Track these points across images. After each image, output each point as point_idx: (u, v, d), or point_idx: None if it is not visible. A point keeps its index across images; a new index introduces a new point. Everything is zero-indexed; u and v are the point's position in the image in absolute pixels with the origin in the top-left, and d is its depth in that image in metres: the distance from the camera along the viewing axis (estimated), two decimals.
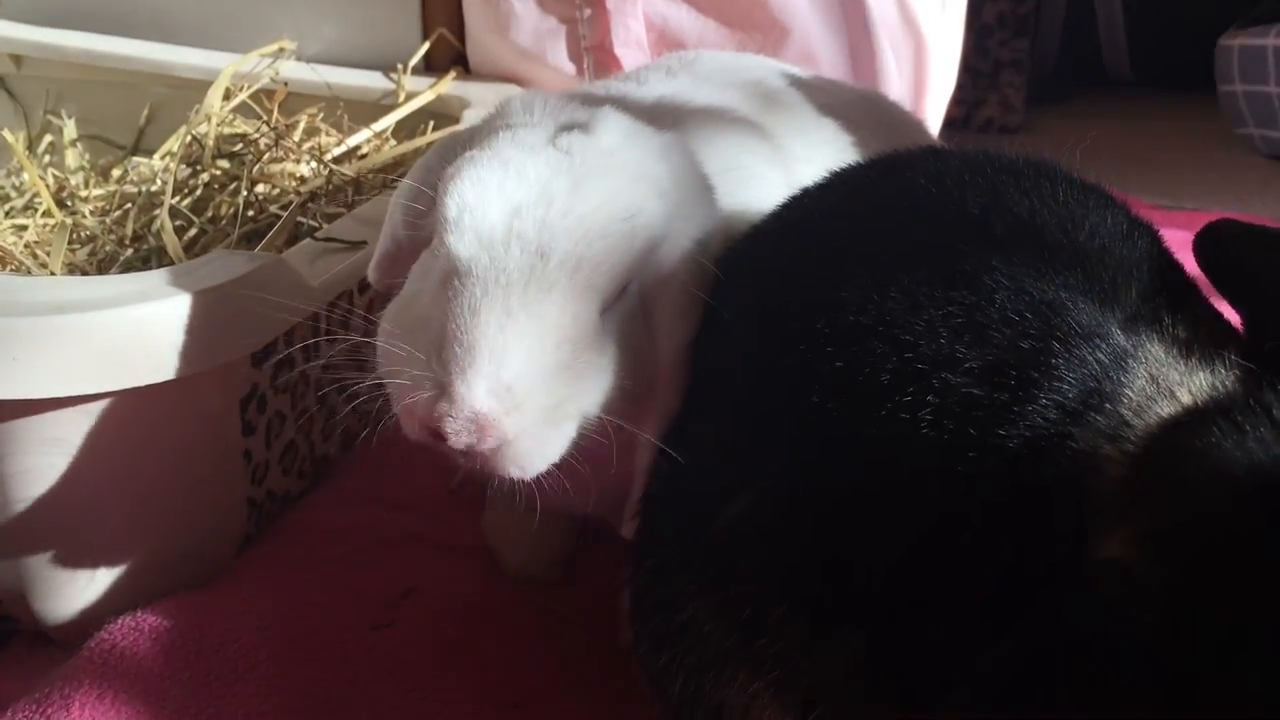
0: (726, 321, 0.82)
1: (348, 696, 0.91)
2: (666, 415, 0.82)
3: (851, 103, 1.11)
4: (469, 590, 1.04)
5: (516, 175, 0.78)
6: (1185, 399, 0.63)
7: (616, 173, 0.79)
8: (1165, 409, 0.62)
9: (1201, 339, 0.67)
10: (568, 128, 0.82)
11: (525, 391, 0.74)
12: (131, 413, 0.91)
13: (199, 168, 1.39)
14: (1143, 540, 0.58)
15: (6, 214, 1.37)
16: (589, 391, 0.79)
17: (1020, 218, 0.75)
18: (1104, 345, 0.65)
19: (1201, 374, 0.64)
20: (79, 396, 0.87)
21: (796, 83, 1.12)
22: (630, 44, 1.55)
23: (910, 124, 1.19)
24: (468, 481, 1.21)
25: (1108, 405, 0.63)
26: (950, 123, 2.06)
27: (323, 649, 0.94)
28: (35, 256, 1.21)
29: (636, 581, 0.84)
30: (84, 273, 1.21)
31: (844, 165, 0.90)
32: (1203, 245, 0.74)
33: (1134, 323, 0.67)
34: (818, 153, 1.02)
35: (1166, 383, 0.64)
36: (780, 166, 0.96)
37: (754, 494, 0.74)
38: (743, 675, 0.75)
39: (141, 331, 0.86)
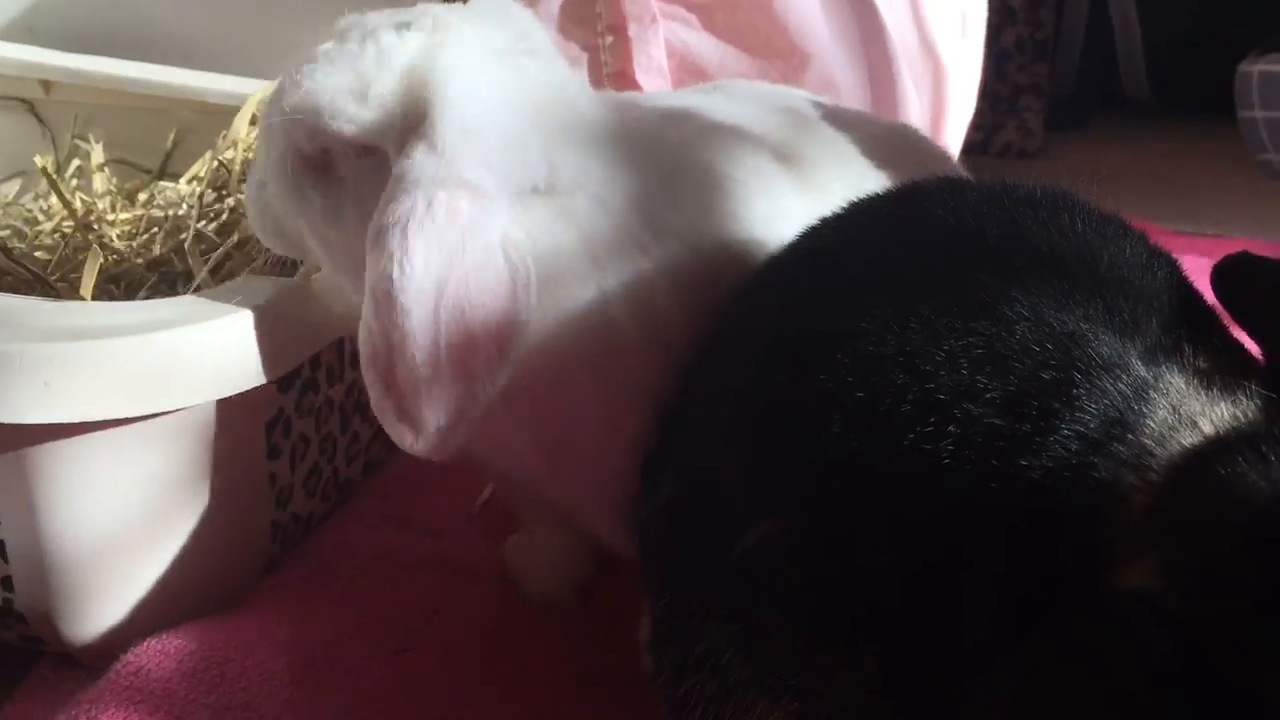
0: (746, 348, 0.83)
1: None
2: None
3: (881, 136, 1.12)
4: (490, 615, 1.05)
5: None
6: (1207, 429, 0.63)
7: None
8: (1188, 439, 0.63)
9: (1222, 370, 0.68)
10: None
11: None
12: (161, 436, 0.92)
13: (224, 192, 1.41)
14: (1167, 570, 0.58)
15: (35, 237, 1.39)
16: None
17: (1039, 248, 0.76)
18: (1125, 376, 0.66)
19: (1223, 404, 0.65)
20: (109, 420, 0.88)
21: (828, 112, 1.13)
22: (652, 71, 1.56)
23: (939, 158, 1.20)
24: (490, 504, 1.23)
25: (1130, 435, 0.63)
26: (969, 148, 2.06)
27: (345, 674, 0.95)
28: (64, 280, 1.22)
29: (656, 609, 0.84)
30: (112, 296, 1.22)
31: (863, 195, 0.91)
32: (1221, 278, 0.74)
33: (1155, 353, 0.68)
34: (845, 181, 1.03)
35: (1188, 413, 0.64)
36: (805, 191, 0.97)
37: (774, 522, 0.74)
38: (763, 705, 0.76)
39: (172, 357, 0.88)
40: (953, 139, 1.91)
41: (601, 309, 0.87)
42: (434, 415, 0.82)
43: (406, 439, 0.84)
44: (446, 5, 0.92)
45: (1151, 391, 0.65)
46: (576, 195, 0.88)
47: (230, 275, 1.28)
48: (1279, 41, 2.54)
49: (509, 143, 0.85)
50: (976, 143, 2.78)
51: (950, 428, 0.67)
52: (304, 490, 1.12)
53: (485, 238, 0.82)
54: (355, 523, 1.18)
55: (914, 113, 1.72)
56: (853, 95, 1.61)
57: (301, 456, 1.10)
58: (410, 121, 0.84)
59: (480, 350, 0.82)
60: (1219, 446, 0.61)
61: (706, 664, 0.78)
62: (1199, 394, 0.66)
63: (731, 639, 0.77)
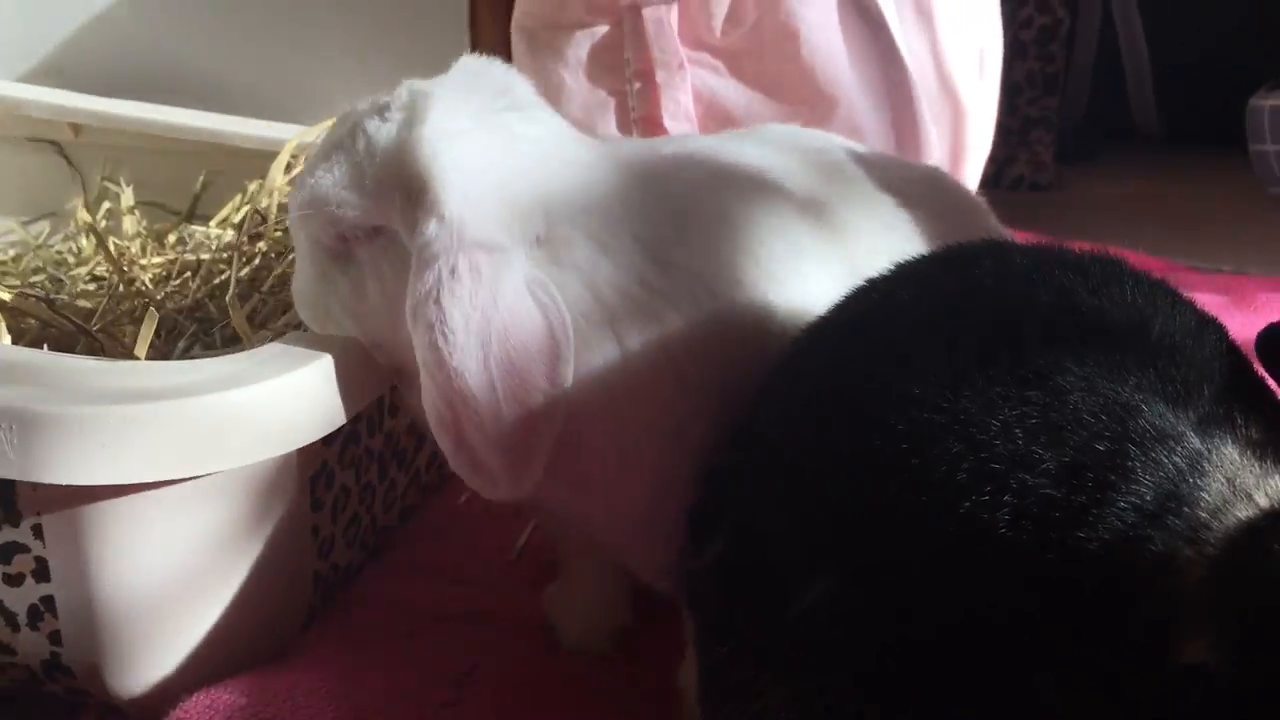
0: (799, 407, 0.84)
1: None
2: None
3: (913, 179, 1.14)
4: (531, 667, 1.06)
5: None
6: (1263, 501, 0.64)
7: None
8: (1243, 511, 0.64)
9: (1275, 441, 0.69)
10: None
11: None
12: (214, 495, 0.93)
13: (259, 238, 1.42)
14: (1226, 645, 0.59)
15: (73, 283, 1.41)
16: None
17: (1090, 316, 0.77)
18: (1179, 448, 0.67)
19: (1278, 476, 0.66)
20: (164, 481, 0.90)
21: (859, 157, 1.15)
22: (679, 116, 1.58)
23: (970, 204, 1.21)
24: (527, 551, 1.23)
25: (1185, 509, 0.65)
26: (982, 182, 2.08)
27: None
28: (105, 330, 1.23)
29: (707, 663, 0.85)
30: (151, 344, 1.24)
31: (907, 255, 0.92)
32: (1266, 346, 0.76)
33: (1208, 424, 0.69)
34: (872, 223, 1.04)
35: (1243, 485, 0.65)
36: (826, 232, 0.98)
37: (830, 583, 0.75)
38: None
39: (227, 418, 0.89)
40: (972, 176, 1.93)
41: (615, 348, 0.91)
42: (506, 461, 0.88)
43: (488, 489, 0.90)
44: (427, 79, 0.97)
45: (1205, 463, 0.66)
46: (574, 241, 0.92)
47: (264, 323, 1.30)
48: None
49: (504, 199, 0.90)
50: (989, 175, 2.78)
51: (1006, 497, 0.68)
52: (344, 540, 1.13)
53: (512, 286, 0.87)
54: (394, 571, 1.19)
55: (935, 154, 1.74)
56: (877, 139, 1.63)
57: (343, 507, 1.11)
58: (409, 198, 0.89)
59: (535, 391, 0.88)
60: (1273, 519, 0.63)
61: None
62: (1253, 465, 0.67)
63: (787, 698, 0.77)
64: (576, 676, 1.06)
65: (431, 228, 0.88)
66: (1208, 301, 0.80)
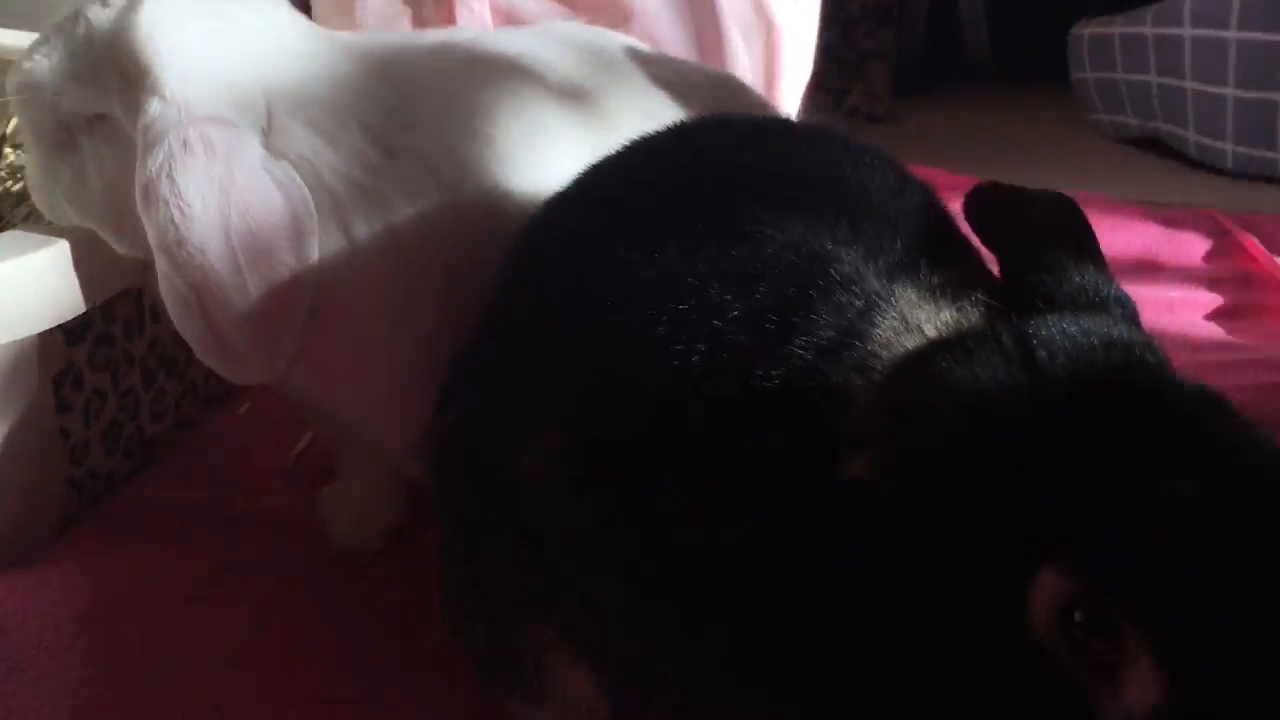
0: (527, 282, 0.84)
1: (161, 670, 0.90)
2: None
3: (699, 82, 1.13)
4: (295, 565, 1.04)
5: None
6: (930, 333, 0.66)
7: None
8: (912, 343, 0.66)
9: (955, 284, 0.71)
10: None
11: None
12: None
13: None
14: (883, 458, 0.61)
15: None
16: None
17: (797, 178, 0.78)
18: (860, 290, 0.68)
19: (947, 312, 0.68)
20: None
21: (638, 55, 1.14)
22: (475, 25, 1.55)
23: (758, 105, 1.22)
24: (307, 457, 1.22)
25: (858, 343, 0.66)
26: (819, 111, 2.10)
27: (134, 624, 0.93)
28: None
29: (441, 534, 0.85)
30: None
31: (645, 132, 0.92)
32: (968, 205, 0.78)
33: (893, 271, 0.71)
34: (637, 115, 1.04)
35: (915, 321, 0.67)
36: (584, 120, 0.98)
37: (546, 444, 0.76)
38: (536, 626, 0.77)
39: None
40: (789, 100, 1.94)
41: (342, 237, 0.89)
42: (257, 339, 0.86)
43: (237, 371, 0.88)
44: None
45: (883, 304, 0.68)
46: (294, 132, 0.90)
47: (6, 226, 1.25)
48: (1110, 3, 2.63)
49: (228, 84, 0.88)
50: (825, 106, 2.84)
51: (699, 345, 0.69)
52: (103, 446, 1.10)
53: (248, 161, 0.85)
54: (163, 478, 1.16)
55: (744, 70, 1.75)
56: (678, 52, 1.62)
57: (98, 413, 1.07)
58: (128, 81, 0.87)
59: (280, 266, 0.86)
60: (935, 346, 0.64)
61: (484, 585, 0.80)
62: (928, 304, 0.69)
63: (507, 559, 0.78)
64: (342, 573, 1.05)
65: (155, 107, 0.85)
66: None
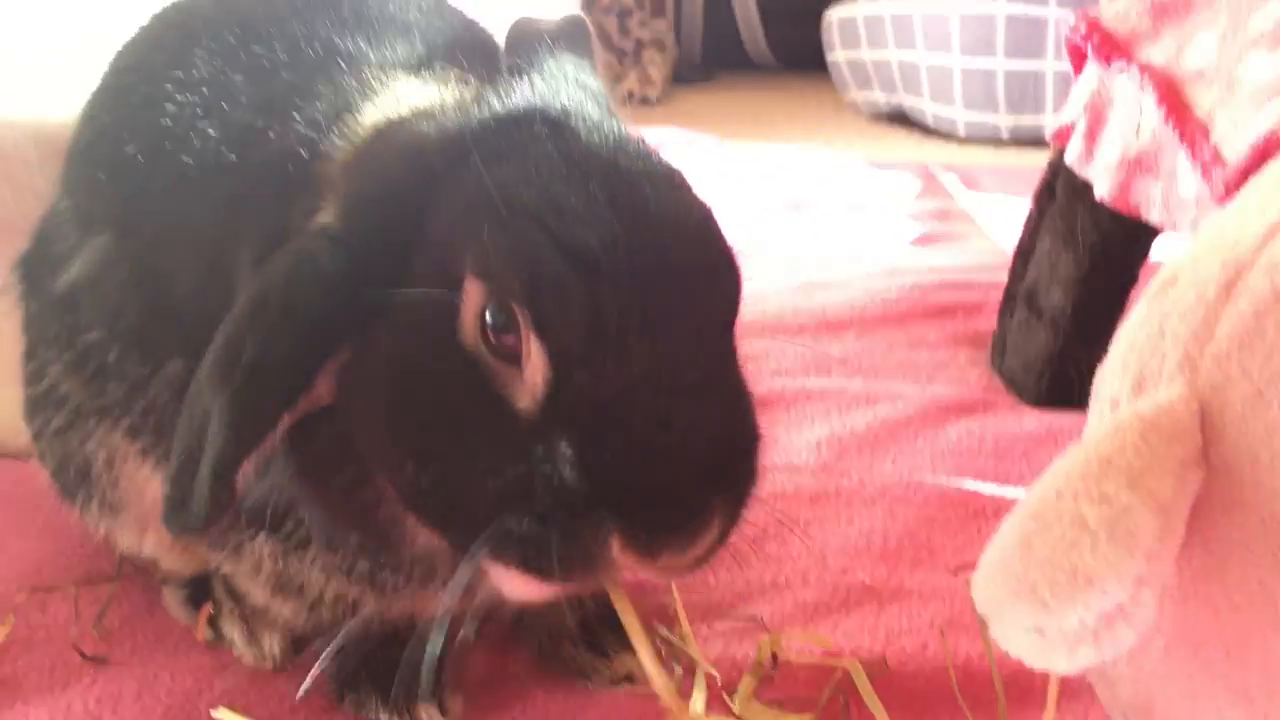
0: (84, 118, 0.88)
1: None
2: None
3: None
4: None
5: None
6: (410, 106, 0.73)
7: None
8: (392, 113, 0.72)
9: (459, 76, 0.78)
10: None
11: None
12: None
13: None
14: (341, 205, 0.67)
15: None
16: None
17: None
18: (359, 76, 0.75)
19: (431, 89, 0.74)
20: None
21: None
22: None
23: None
24: None
25: (349, 116, 0.72)
26: None
27: None
28: None
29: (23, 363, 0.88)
30: None
31: None
32: (507, 39, 0.86)
33: (399, 64, 0.77)
34: None
35: (404, 99, 0.73)
36: None
37: (88, 249, 0.80)
38: (101, 428, 0.81)
39: None
40: None
41: None
42: None
43: None
44: None
45: (379, 85, 0.74)
46: None
47: None
48: None
49: None
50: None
51: (211, 130, 0.74)
52: None
53: None
54: None
55: None
56: None
57: None
58: None
59: None
60: (409, 115, 0.71)
61: (51, 399, 0.83)
62: (424, 89, 0.75)
63: (66, 370, 0.81)
64: None
65: None
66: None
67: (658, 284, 0.59)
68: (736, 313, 0.65)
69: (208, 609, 0.84)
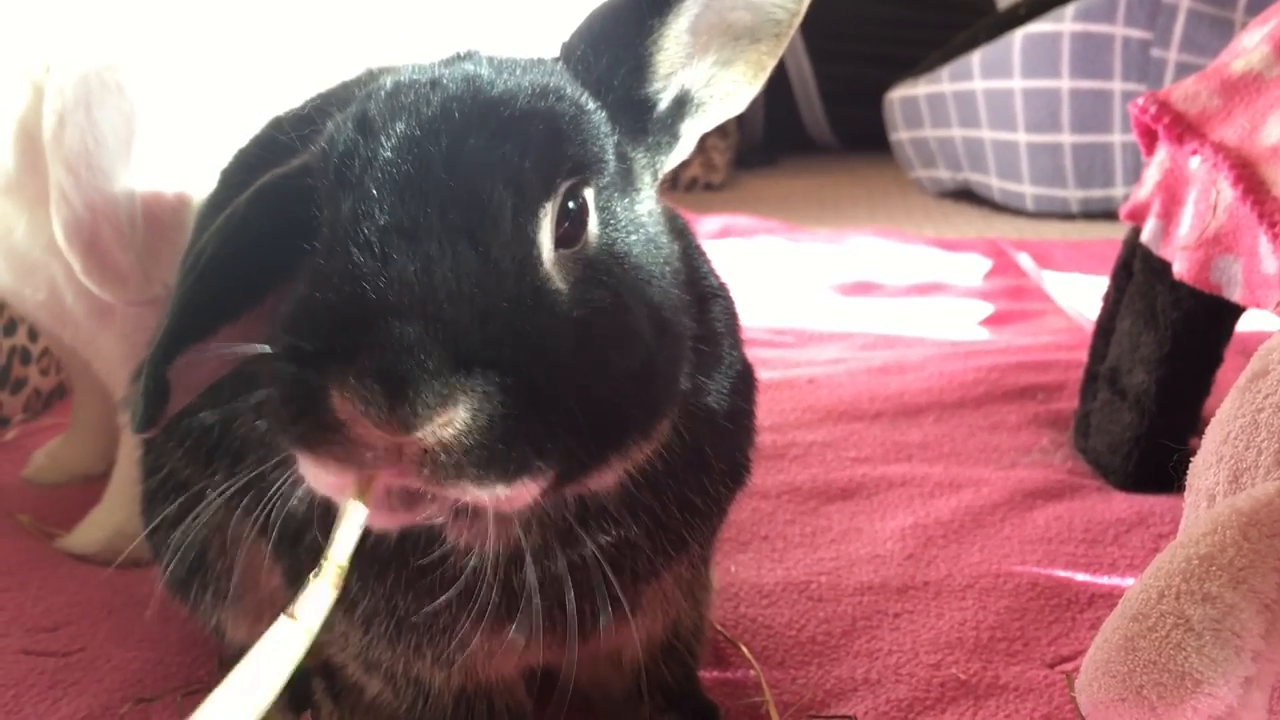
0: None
1: None
2: None
3: None
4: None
5: None
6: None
7: None
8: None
9: None
10: None
11: None
12: None
13: None
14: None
15: None
16: None
17: None
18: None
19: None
20: None
21: None
22: None
23: None
24: None
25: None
26: (660, 185, 2.21)
27: None
28: None
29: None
30: None
31: None
32: None
33: None
34: None
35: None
36: None
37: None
38: (215, 509, 0.80)
39: None
40: None
41: None
42: (140, 263, 0.98)
43: (117, 292, 0.98)
44: None
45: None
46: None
47: None
48: (915, 70, 2.81)
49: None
50: (666, 179, 2.98)
51: None
52: None
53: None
54: None
55: None
56: None
57: None
58: None
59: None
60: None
61: (167, 486, 0.83)
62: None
63: (184, 454, 0.81)
64: None
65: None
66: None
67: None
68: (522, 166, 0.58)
69: (308, 717, 0.85)
